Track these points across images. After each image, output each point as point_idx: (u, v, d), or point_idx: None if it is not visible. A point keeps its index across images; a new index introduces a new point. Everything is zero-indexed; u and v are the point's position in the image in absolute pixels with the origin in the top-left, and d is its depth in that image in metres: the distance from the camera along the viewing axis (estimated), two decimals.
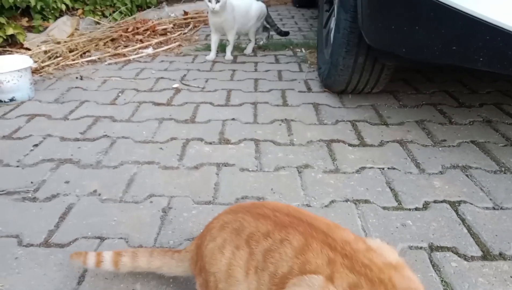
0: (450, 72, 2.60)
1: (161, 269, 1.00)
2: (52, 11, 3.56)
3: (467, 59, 1.36)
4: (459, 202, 1.37)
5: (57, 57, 2.97)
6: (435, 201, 1.38)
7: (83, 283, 1.06)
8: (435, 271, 1.09)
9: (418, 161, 1.62)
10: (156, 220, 1.30)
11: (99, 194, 1.43)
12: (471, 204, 1.36)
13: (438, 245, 1.18)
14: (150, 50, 3.29)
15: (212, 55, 3.14)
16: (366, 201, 1.38)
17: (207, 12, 3.04)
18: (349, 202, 1.38)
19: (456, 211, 1.32)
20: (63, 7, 3.66)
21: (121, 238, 1.22)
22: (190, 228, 1.27)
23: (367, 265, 0.68)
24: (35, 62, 2.73)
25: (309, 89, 2.44)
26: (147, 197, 1.41)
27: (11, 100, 2.21)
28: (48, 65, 2.81)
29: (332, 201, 1.39)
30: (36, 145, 1.77)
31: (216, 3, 2.75)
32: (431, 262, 1.12)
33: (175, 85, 2.53)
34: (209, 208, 1.36)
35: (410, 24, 1.45)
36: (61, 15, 3.65)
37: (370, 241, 0.78)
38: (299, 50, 3.34)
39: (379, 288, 0.64)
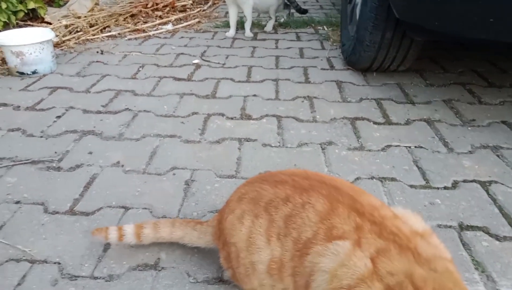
0: (479, 51, 2.50)
1: (183, 240, 1.00)
2: None
3: (505, 33, 1.29)
4: (490, 182, 1.32)
5: (77, 31, 2.96)
6: (464, 181, 1.34)
7: (109, 250, 1.06)
8: (466, 250, 1.06)
9: (446, 140, 1.57)
10: (179, 192, 1.30)
11: (122, 165, 1.43)
12: (503, 184, 1.31)
13: (469, 224, 1.15)
14: (169, 26, 3.26)
15: (231, 31, 3.09)
16: (393, 179, 1.35)
17: None
18: (374, 180, 1.35)
19: (487, 191, 1.28)
20: None
21: (145, 208, 1.22)
22: (213, 201, 1.26)
23: (395, 233, 0.66)
24: (56, 36, 2.73)
25: (332, 67, 2.38)
26: (170, 169, 1.41)
27: (34, 72, 2.22)
28: (69, 39, 2.81)
29: (357, 178, 1.36)
30: (59, 117, 1.77)
31: None
32: (461, 241, 1.09)
33: (195, 61, 2.50)
34: (231, 181, 1.35)
35: None
36: None
37: (396, 209, 0.76)
38: (321, 27, 3.26)
39: (407, 253, 0.63)
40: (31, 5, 3.02)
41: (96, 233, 1.01)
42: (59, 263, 1.02)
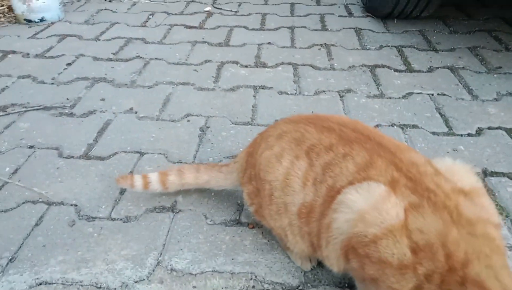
0: None
1: (209, 183, 0.97)
2: None
3: None
4: None
5: None
6: (489, 128, 1.28)
7: (125, 193, 1.05)
8: (490, 195, 1.03)
9: (470, 88, 1.50)
10: (194, 138, 1.27)
11: (136, 112, 1.40)
12: None
13: (493, 170, 1.11)
14: None
15: None
16: (414, 126, 1.30)
17: None
18: (395, 127, 1.30)
19: None
20: None
21: (160, 153, 1.20)
22: (229, 147, 1.23)
23: (432, 189, 0.61)
24: None
25: (350, 14, 2.27)
26: (184, 116, 1.38)
27: (41, 20, 2.15)
28: None
29: (377, 125, 1.31)
30: (69, 64, 1.73)
31: None
32: (485, 187, 1.06)
33: (207, 9, 2.40)
34: (247, 128, 1.32)
35: None
36: None
37: (443, 162, 0.69)
38: None
39: (442, 212, 0.58)
40: None
41: (121, 181, 0.98)
42: (76, 205, 1.01)
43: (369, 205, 0.61)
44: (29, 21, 2.14)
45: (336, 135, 0.74)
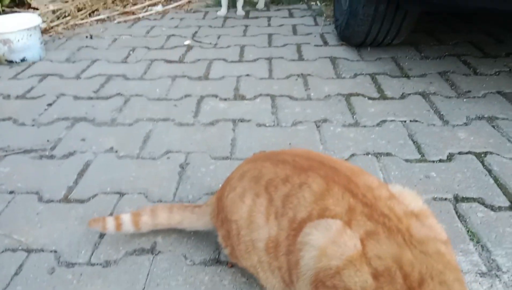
0: (475, 23, 2.46)
1: (182, 224, 0.99)
2: None
3: (502, 1, 1.26)
4: (485, 153, 1.32)
5: (65, 16, 2.90)
6: (460, 153, 1.33)
7: (105, 236, 1.06)
8: (461, 221, 1.06)
9: (441, 113, 1.56)
10: (174, 175, 1.29)
11: (116, 151, 1.42)
12: (498, 155, 1.31)
13: (464, 196, 1.15)
14: (159, 8, 3.20)
15: (223, 10, 3.03)
16: (388, 154, 1.34)
17: None
18: (370, 155, 1.34)
19: (482, 162, 1.28)
20: None
21: (140, 193, 1.21)
22: (209, 183, 1.25)
23: (386, 214, 0.65)
24: (44, 22, 2.68)
25: (326, 43, 2.35)
26: (164, 153, 1.40)
27: (22, 60, 2.18)
28: (57, 25, 2.76)
29: (353, 155, 1.35)
30: (50, 104, 1.75)
31: None
32: (456, 213, 1.09)
33: (187, 42, 2.46)
34: (227, 163, 1.34)
35: None
36: None
37: (393, 188, 0.75)
38: (314, 3, 3.20)
39: (396, 236, 0.62)
40: None
41: (93, 224, 0.99)
42: (56, 251, 1.02)
43: (329, 240, 0.65)
44: (10, 61, 2.17)
45: (291, 166, 0.78)
